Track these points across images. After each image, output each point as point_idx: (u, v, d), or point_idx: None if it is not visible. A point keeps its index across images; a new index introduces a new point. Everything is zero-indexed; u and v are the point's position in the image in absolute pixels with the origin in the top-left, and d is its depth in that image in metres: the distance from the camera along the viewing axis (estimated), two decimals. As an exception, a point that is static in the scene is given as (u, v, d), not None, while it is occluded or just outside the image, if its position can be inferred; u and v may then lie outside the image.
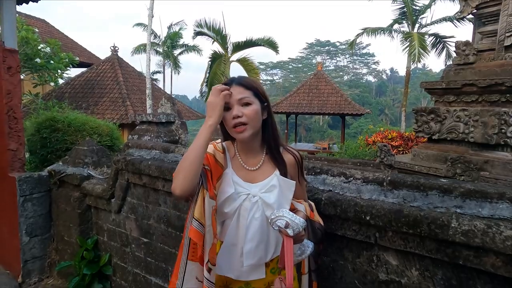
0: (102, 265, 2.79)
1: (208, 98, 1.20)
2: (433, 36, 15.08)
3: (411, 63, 14.63)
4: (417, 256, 1.36)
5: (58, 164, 3.20)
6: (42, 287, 3.05)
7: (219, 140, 1.36)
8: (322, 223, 1.42)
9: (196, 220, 1.15)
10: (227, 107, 1.21)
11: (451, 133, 3.17)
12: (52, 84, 9.19)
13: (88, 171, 3.01)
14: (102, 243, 2.90)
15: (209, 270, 1.19)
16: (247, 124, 1.20)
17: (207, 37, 14.90)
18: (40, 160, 3.73)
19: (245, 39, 14.41)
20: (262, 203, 1.25)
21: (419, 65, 20.24)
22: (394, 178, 1.48)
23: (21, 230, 3.00)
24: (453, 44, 3.60)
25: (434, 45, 15.15)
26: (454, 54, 3.55)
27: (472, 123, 3.01)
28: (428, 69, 53.91)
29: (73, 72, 13.61)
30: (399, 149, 8.14)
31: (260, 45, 14.52)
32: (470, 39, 3.57)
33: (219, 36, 14.45)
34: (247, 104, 1.21)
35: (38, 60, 7.79)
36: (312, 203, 1.47)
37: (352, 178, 1.61)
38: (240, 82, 1.24)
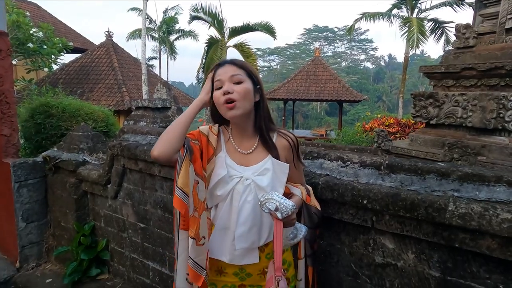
0: (100, 250, 2.80)
1: None
2: (432, 22, 14.88)
3: (410, 49, 14.48)
4: (414, 240, 1.36)
5: (53, 150, 3.16)
6: (40, 272, 3.06)
7: (216, 125, 1.34)
8: (319, 207, 1.41)
9: (180, 189, 1.14)
10: (219, 87, 1.21)
11: (449, 118, 3.16)
12: (45, 70, 9.06)
13: (84, 157, 2.98)
14: (99, 229, 2.90)
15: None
16: (237, 101, 1.18)
17: (203, 22, 14.61)
18: (34, 146, 3.69)
19: (242, 24, 14.16)
20: (254, 186, 1.23)
21: (418, 51, 20.09)
22: (392, 162, 1.47)
23: (17, 216, 2.98)
24: (452, 30, 3.55)
25: (433, 31, 14.96)
26: (453, 40, 3.50)
27: (471, 107, 3.00)
28: (426, 55, 53.63)
29: (67, 57, 13.42)
30: (396, 135, 8.13)
31: (257, 30, 14.28)
32: (471, 23, 3.51)
33: (216, 20, 14.18)
34: (239, 82, 1.20)
35: (30, 44, 7.65)
36: (310, 188, 1.46)
37: (349, 162, 1.59)
38: (233, 61, 1.25)
